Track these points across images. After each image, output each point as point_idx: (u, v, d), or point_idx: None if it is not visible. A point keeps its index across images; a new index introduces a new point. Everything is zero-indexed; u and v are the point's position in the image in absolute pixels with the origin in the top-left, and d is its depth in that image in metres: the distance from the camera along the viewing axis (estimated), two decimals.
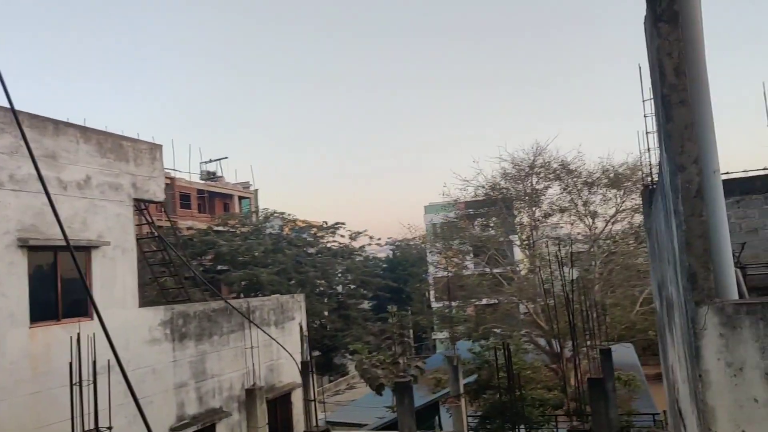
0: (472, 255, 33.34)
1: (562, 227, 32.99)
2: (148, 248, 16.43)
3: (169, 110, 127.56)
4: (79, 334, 10.05)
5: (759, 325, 3.57)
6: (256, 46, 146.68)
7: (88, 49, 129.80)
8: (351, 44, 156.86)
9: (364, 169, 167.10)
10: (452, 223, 33.91)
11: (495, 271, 30.93)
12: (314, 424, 15.67)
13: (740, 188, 10.86)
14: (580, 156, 41.53)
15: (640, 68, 11.75)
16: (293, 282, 38.05)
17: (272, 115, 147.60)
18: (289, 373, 17.49)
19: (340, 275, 44.55)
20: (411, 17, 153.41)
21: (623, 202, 30.45)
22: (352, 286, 45.54)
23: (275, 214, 43.74)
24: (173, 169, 41.19)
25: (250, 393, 15.52)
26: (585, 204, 30.78)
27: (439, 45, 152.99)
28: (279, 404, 17.08)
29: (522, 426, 16.98)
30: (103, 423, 10.33)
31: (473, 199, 32.31)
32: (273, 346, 16.99)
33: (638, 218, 30.41)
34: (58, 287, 11.63)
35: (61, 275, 11.67)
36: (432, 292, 38.83)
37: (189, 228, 41.31)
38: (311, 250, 43.78)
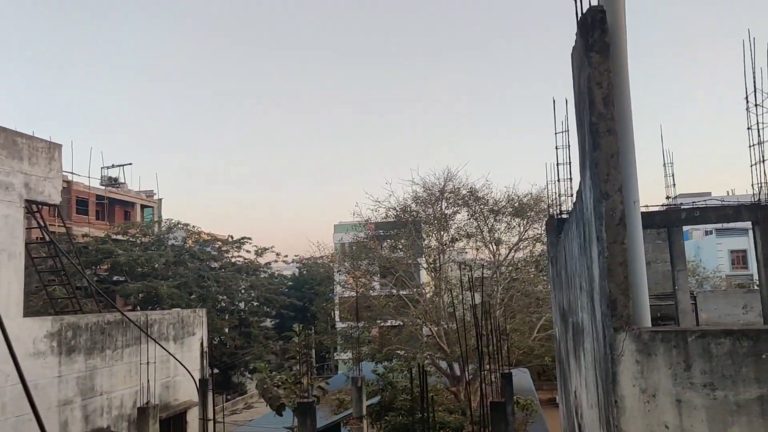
0: (379, 276, 33.43)
1: (467, 252, 33.79)
2: (37, 254, 15.33)
3: (71, 111, 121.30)
4: None
5: (672, 352, 3.66)
6: (170, 55, 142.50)
7: None
8: (266, 57, 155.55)
9: (275, 185, 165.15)
10: (362, 244, 33.91)
11: (402, 293, 31.13)
12: None
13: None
14: (488, 184, 42.96)
15: (554, 101, 12.23)
16: (194, 296, 36.73)
17: (183, 125, 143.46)
18: (186, 391, 16.73)
19: (243, 291, 43.47)
20: (328, 37, 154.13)
21: (526, 230, 31.55)
22: (256, 303, 44.51)
23: (179, 225, 42.18)
24: (71, 173, 38.97)
25: (142, 411, 14.66)
26: (490, 231, 31.67)
27: (357, 65, 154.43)
28: (173, 424, 16.27)
29: None
30: None
31: (384, 220, 32.50)
32: (170, 363, 16.20)
33: (539, 247, 31.62)
34: None
35: None
36: (337, 312, 38.52)
37: (85, 235, 39.11)
38: (215, 265, 42.52)
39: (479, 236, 31.66)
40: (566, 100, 11.07)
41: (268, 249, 46.32)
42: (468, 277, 26.88)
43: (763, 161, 10.36)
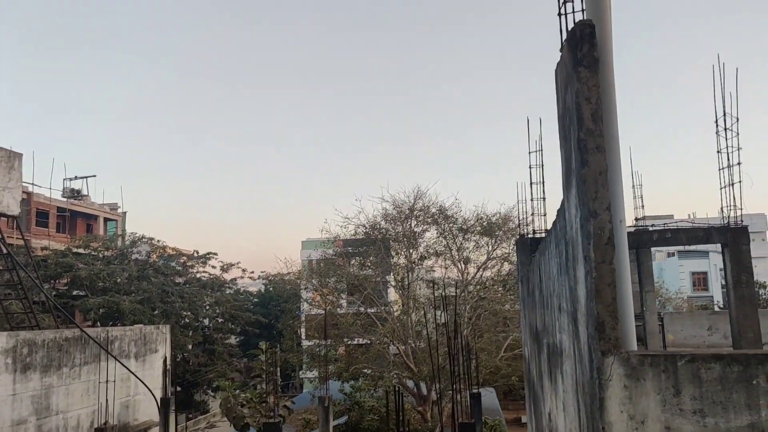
0: (347, 293, 33.11)
1: (435, 270, 33.71)
2: None
3: (33, 120, 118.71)
4: None
5: (661, 377, 3.54)
6: (136, 67, 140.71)
7: None
8: (232, 69, 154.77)
9: (243, 200, 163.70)
10: (330, 260, 33.58)
11: (370, 311, 30.86)
12: None
13: None
14: (457, 203, 43.20)
15: (528, 120, 12.24)
16: (157, 312, 35.86)
17: (149, 138, 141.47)
18: (147, 411, 16.17)
19: (208, 307, 42.64)
20: (292, 51, 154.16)
21: (494, 249, 31.63)
22: (220, 320, 43.70)
23: (143, 239, 41.28)
24: (32, 183, 37.90)
25: None
26: (459, 249, 31.66)
27: (325, 82, 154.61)
28: None
29: None
30: None
31: (353, 237, 32.26)
32: (131, 381, 15.67)
33: (507, 266, 31.72)
34: None
35: None
36: (303, 330, 38.02)
37: (44, 248, 38.00)
38: (179, 280, 41.67)
39: (448, 254, 31.63)
40: (540, 120, 11.08)
41: (234, 265, 45.64)
42: (436, 296, 26.79)
43: (732, 184, 10.49)
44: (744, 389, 3.47)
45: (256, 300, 55.68)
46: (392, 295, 34.50)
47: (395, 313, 31.69)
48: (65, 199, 45.63)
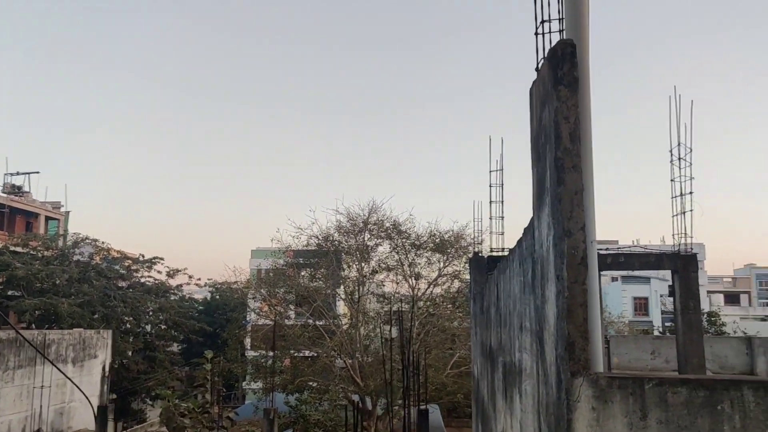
0: (295, 305, 32.71)
1: (385, 285, 33.67)
2: None
3: None
4: None
5: (629, 400, 3.53)
6: (85, 65, 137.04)
7: None
8: (189, 73, 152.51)
9: (192, 205, 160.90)
10: (280, 270, 33.17)
11: (318, 323, 30.56)
12: None
13: None
14: (411, 219, 43.27)
15: (490, 139, 12.34)
16: (97, 316, 34.64)
17: (98, 137, 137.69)
18: (83, 418, 15.52)
19: (151, 313, 41.44)
20: (252, 61, 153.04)
21: (445, 266, 31.82)
22: (163, 327, 42.53)
23: (87, 240, 39.95)
24: None
25: None
26: (411, 265, 31.72)
27: (283, 93, 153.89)
28: None
29: None
30: None
31: (305, 248, 31.95)
32: (68, 387, 15.03)
33: (457, 284, 31.94)
34: None
35: None
36: (249, 340, 37.33)
37: None
38: (123, 284, 40.44)
39: (399, 269, 31.64)
40: (502, 140, 11.18)
41: (180, 271, 44.52)
42: (386, 311, 26.72)
43: (684, 213, 10.78)
44: (708, 414, 3.48)
45: (201, 308, 54.46)
46: (342, 308, 34.25)
47: (344, 327, 31.45)
48: (5, 195, 43.91)
